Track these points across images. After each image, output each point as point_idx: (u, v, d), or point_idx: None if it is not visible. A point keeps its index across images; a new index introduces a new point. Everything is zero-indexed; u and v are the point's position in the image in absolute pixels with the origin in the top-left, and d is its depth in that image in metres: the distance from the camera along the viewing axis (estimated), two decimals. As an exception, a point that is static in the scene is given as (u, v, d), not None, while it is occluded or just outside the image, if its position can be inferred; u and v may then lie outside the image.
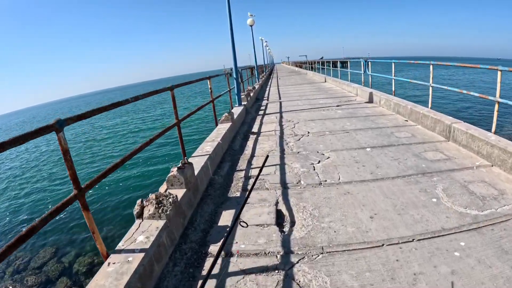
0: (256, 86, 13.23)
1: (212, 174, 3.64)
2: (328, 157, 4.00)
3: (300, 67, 38.18)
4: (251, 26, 15.72)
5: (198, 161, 3.48)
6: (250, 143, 5.04)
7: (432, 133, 4.85)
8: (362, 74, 9.24)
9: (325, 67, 17.40)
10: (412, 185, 3.07)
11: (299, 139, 4.95)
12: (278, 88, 14.17)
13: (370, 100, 7.89)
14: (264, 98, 10.81)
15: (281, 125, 6.06)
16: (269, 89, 14.33)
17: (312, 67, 30.04)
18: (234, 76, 7.48)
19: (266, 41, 40.45)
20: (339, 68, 13.06)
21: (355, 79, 11.66)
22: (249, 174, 3.67)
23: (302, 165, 3.78)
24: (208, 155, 3.71)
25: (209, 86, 5.53)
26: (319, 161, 3.87)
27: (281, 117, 6.99)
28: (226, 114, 5.54)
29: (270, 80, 22.42)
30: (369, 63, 8.46)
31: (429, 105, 5.54)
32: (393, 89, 7.12)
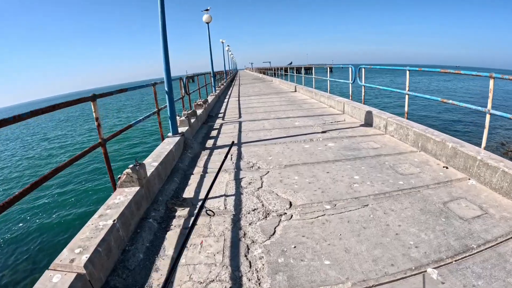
0: (211, 98, 10.61)
1: None
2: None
3: (264, 73, 36.31)
4: (207, 23, 13.12)
5: None
6: (169, 248, 2.36)
7: (510, 202, 2.66)
8: (350, 84, 7.05)
9: (291, 73, 15.35)
10: None
11: (274, 232, 2.39)
12: (239, 100, 11.65)
13: (368, 123, 5.66)
14: (219, 115, 8.19)
15: (238, 181, 3.47)
16: (228, 101, 11.75)
17: (275, 73, 28.24)
18: (166, 88, 4.80)
19: (228, 45, 38.07)
20: (313, 76, 10.90)
21: (323, 87, 9.60)
22: None
23: None
24: None
25: (93, 112, 2.80)
26: None
27: (239, 156, 4.41)
28: (128, 170, 2.83)
29: (231, 88, 19.91)
30: (362, 70, 6.27)
31: (483, 145, 3.36)
32: (405, 109, 4.95)
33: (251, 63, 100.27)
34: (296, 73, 16.53)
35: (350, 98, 7.17)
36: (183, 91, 6.74)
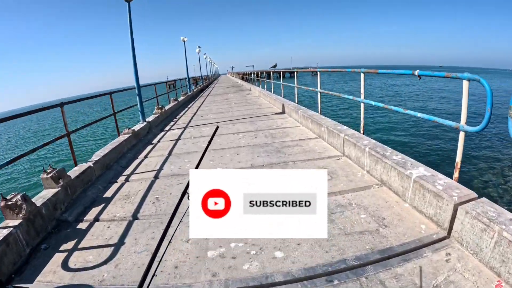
0: (121, 140, 5.52)
1: None
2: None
3: (245, 79, 31.37)
4: (128, 2, 8.06)
5: None
6: None
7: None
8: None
9: (276, 81, 10.66)
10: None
11: None
12: (176, 141, 6.58)
13: None
14: (84, 219, 3.14)
15: None
16: (158, 143, 6.65)
17: (257, 79, 23.45)
18: None
19: (199, 47, 33.00)
20: (319, 90, 6.01)
21: (323, 111, 4.77)
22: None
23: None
24: None
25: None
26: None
27: None
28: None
29: (193, 102, 14.83)
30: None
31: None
32: None
33: (232, 67, 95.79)
34: (283, 77, 11.79)
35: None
36: None
